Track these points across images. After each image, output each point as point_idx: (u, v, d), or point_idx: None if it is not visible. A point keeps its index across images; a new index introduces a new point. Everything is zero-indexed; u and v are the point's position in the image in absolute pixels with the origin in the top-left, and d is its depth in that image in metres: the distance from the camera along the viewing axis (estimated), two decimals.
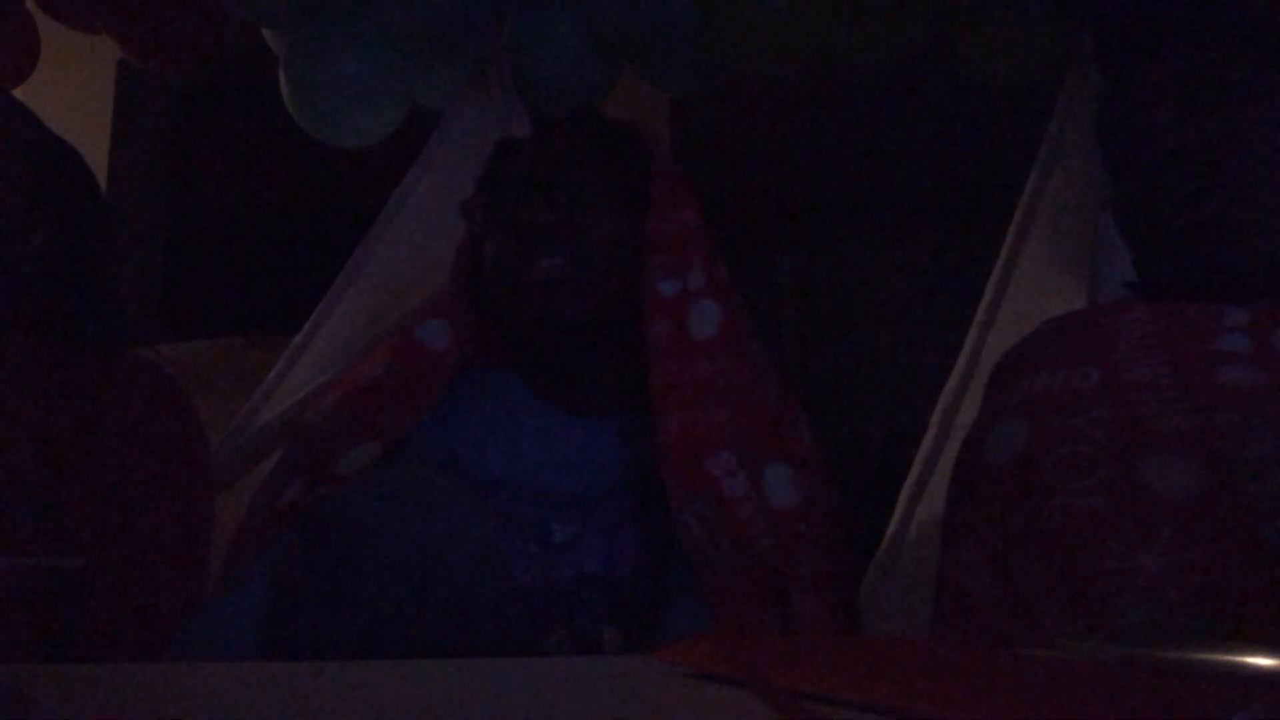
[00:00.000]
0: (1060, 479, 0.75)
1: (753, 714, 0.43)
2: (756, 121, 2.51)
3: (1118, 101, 0.91)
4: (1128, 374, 0.79)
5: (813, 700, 0.42)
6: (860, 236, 2.70)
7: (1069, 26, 1.55)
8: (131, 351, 1.11)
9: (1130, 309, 0.86)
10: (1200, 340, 0.80)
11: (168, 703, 0.50)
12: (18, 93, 1.89)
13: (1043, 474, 0.76)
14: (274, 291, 2.32)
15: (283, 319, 1.59)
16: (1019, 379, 0.86)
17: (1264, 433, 0.72)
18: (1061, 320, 0.91)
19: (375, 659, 0.69)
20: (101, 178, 2.46)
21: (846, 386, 2.64)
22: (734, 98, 2.07)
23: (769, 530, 0.91)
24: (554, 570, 0.93)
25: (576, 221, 0.98)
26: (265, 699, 0.50)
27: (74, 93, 2.36)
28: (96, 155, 2.58)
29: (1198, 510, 0.70)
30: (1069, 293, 1.46)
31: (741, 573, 0.90)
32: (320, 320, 1.46)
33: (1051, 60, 1.57)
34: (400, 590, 0.73)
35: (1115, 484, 0.73)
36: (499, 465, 0.98)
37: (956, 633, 0.81)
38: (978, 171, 2.30)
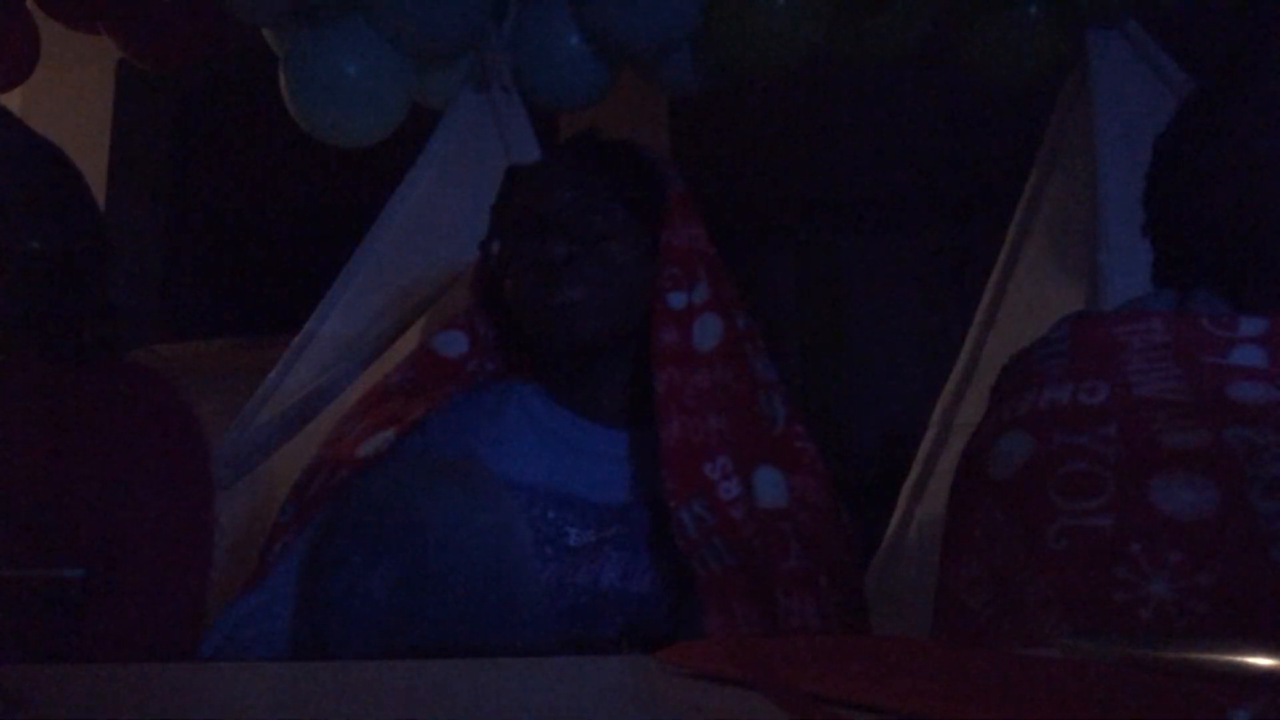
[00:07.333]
0: (1066, 498, 0.73)
1: (755, 715, 0.43)
2: (755, 122, 2.51)
3: (1236, 114, 0.89)
4: (1138, 389, 0.77)
5: (817, 701, 0.42)
6: (859, 236, 2.70)
7: (1069, 26, 1.55)
8: (129, 357, 1.11)
9: (1144, 319, 0.84)
10: (1214, 353, 0.78)
11: (168, 703, 0.50)
12: (18, 92, 1.89)
13: (1047, 492, 0.74)
14: (274, 291, 2.32)
15: (283, 319, 1.59)
16: (1025, 390, 0.83)
17: (1278, 451, 0.70)
18: (1072, 326, 0.88)
19: (399, 646, 0.72)
20: (101, 179, 2.46)
21: (846, 386, 2.64)
22: (734, 98, 2.07)
23: (757, 530, 0.94)
24: (569, 576, 0.95)
25: (594, 253, 1.00)
26: (266, 699, 0.50)
27: (74, 93, 2.36)
28: (96, 155, 2.58)
29: (1209, 532, 0.68)
30: (1069, 293, 1.46)
31: (732, 570, 0.92)
32: (320, 320, 1.46)
33: (1051, 60, 1.58)
34: (422, 579, 0.76)
35: (1123, 505, 0.71)
36: (517, 468, 1.00)
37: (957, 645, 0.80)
38: (978, 171, 2.30)
